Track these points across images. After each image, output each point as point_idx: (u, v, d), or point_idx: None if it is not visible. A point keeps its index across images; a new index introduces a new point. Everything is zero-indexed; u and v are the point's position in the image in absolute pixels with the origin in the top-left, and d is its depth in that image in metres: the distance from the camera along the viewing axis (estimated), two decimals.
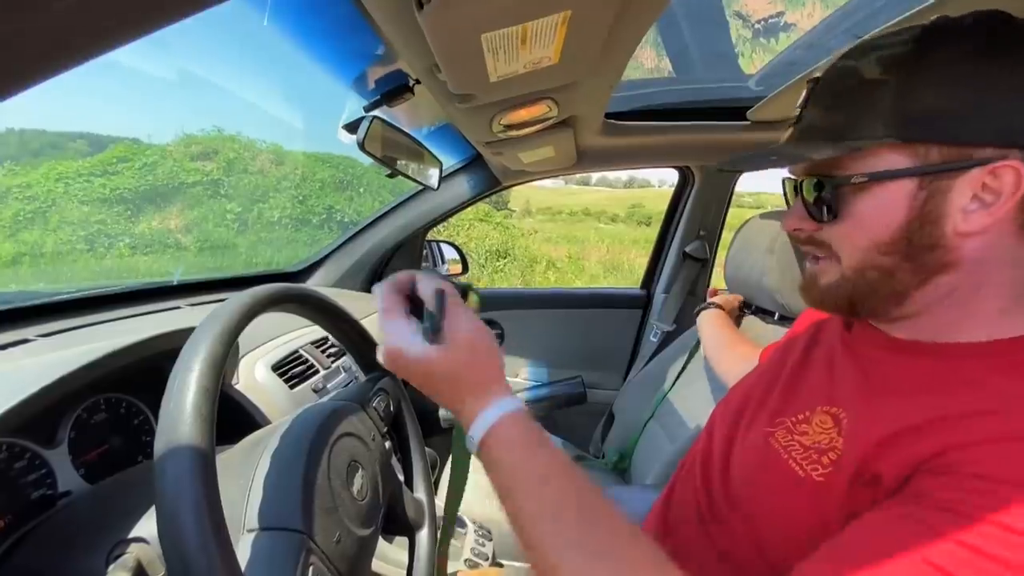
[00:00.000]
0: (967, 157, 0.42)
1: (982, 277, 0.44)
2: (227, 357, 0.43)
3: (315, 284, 1.69)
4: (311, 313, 0.61)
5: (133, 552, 0.46)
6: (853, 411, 0.47)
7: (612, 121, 1.29)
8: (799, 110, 0.51)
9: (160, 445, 0.37)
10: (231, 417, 0.79)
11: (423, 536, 0.65)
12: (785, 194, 0.58)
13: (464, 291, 0.51)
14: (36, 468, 0.57)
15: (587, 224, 17.61)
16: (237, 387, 0.81)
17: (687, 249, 1.67)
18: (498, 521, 1.12)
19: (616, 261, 9.85)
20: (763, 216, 1.23)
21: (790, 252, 1.14)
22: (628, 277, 8.98)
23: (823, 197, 0.48)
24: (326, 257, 1.72)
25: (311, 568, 0.44)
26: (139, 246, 8.24)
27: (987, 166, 0.41)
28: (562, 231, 14.24)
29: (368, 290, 1.75)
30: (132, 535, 0.47)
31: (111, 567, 0.45)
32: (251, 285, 1.49)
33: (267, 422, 0.81)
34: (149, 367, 0.63)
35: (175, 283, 1.26)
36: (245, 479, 0.48)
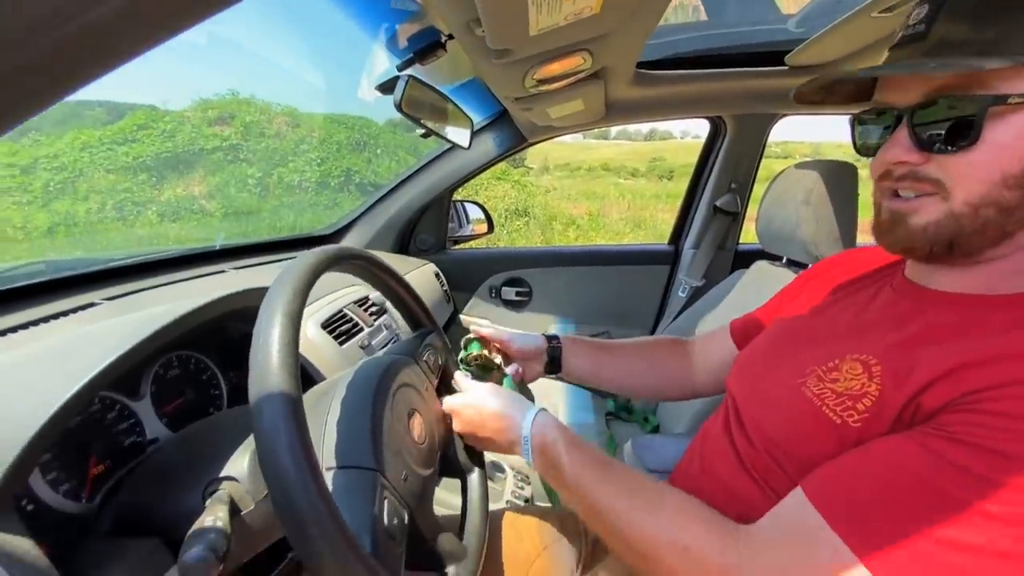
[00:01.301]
0: None
1: None
2: (303, 311, 0.46)
3: (348, 244, 1.73)
4: (366, 273, 0.64)
5: (226, 489, 0.51)
6: (889, 360, 0.47)
7: (643, 71, 1.25)
8: (921, 27, 0.45)
9: (254, 394, 0.40)
10: None
11: (475, 478, 0.69)
12: (854, 135, 0.54)
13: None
14: (126, 418, 0.63)
15: (606, 180, 17.21)
16: None
17: (718, 203, 1.65)
18: None
19: (639, 217, 9.70)
20: (798, 166, 1.20)
21: (827, 203, 1.12)
22: (653, 233, 8.83)
23: (955, 122, 0.42)
24: (356, 219, 1.75)
25: (386, 502, 0.48)
26: (167, 213, 8.40)
27: None
28: (581, 188, 13.98)
29: (398, 251, 1.78)
30: (223, 475, 0.52)
31: (208, 501, 0.50)
32: (286, 248, 1.52)
33: (320, 376, 0.85)
34: (214, 326, 0.67)
35: (218, 247, 1.31)
36: (318, 424, 0.52)
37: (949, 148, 0.43)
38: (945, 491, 0.37)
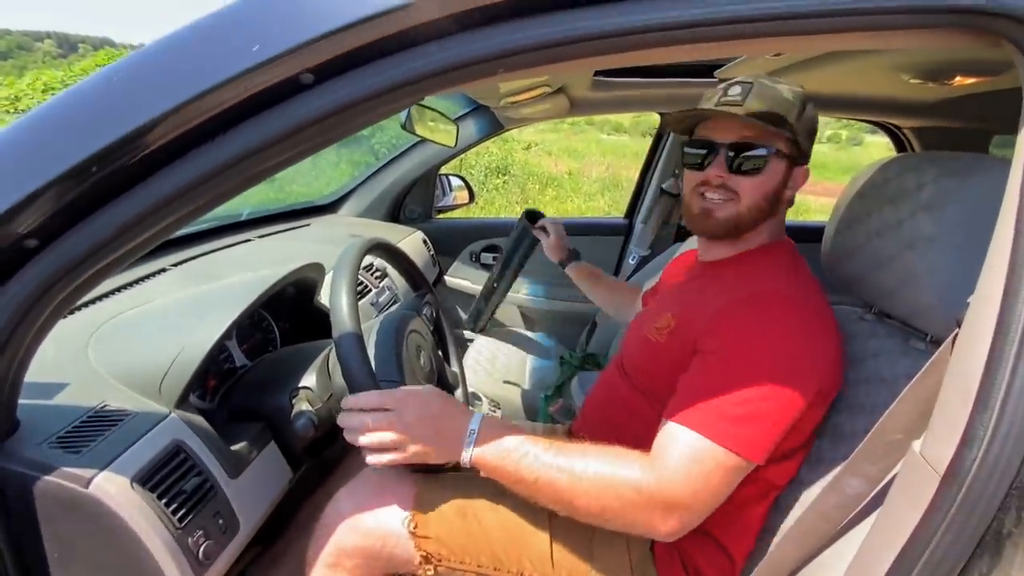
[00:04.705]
0: (799, 159, 0.79)
1: (777, 218, 0.82)
2: (356, 282, 0.76)
3: (345, 213, 1.99)
4: (386, 255, 0.93)
5: (304, 394, 0.82)
6: (681, 312, 0.80)
7: (600, 79, 1.51)
8: (739, 98, 0.76)
9: (336, 331, 0.70)
10: (320, 320, 1.14)
11: (459, 393, 1.02)
12: (683, 155, 0.82)
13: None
14: (223, 351, 0.92)
15: (589, 135, 17.09)
16: (321, 301, 1.15)
17: (663, 186, 1.95)
18: (504, 397, 1.53)
19: (616, 178, 9.88)
20: None
21: None
22: (627, 193, 9.04)
23: (752, 157, 0.75)
24: (353, 191, 2.00)
25: None
26: None
27: (803, 167, 0.79)
28: (563, 143, 13.97)
29: (389, 220, 2.04)
30: (301, 385, 0.83)
31: (295, 400, 0.81)
32: (295, 217, 1.80)
33: None
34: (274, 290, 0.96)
35: (244, 217, 1.57)
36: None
37: (747, 172, 0.76)
38: (694, 378, 0.70)
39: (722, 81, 1.53)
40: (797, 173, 0.80)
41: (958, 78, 1.04)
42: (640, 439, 0.70)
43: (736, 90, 0.77)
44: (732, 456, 0.65)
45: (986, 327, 0.47)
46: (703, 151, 0.79)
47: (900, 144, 1.79)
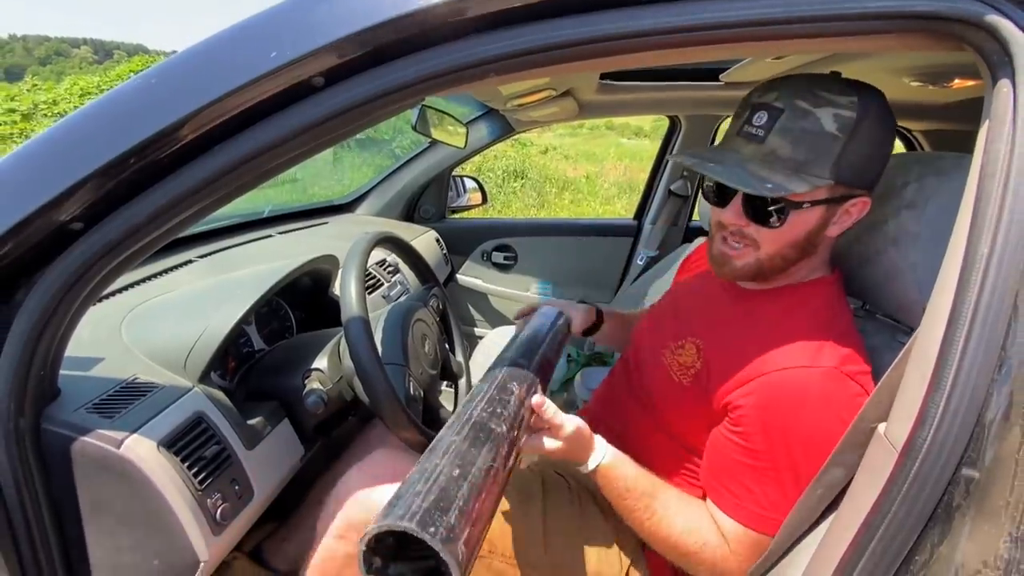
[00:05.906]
0: (851, 193, 0.67)
1: (818, 255, 0.72)
2: (364, 271, 0.81)
3: (362, 212, 2.06)
4: (395, 248, 0.99)
5: (316, 375, 0.88)
6: (708, 341, 0.75)
7: (606, 82, 1.54)
8: (760, 132, 0.64)
9: (345, 317, 0.76)
10: (334, 310, 1.20)
11: (462, 382, 1.07)
12: (705, 188, 0.74)
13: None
14: (242, 336, 0.99)
15: (608, 139, 17.00)
16: (335, 292, 1.21)
17: (672, 187, 1.97)
18: None
19: (633, 181, 9.87)
20: None
21: None
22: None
23: (770, 209, 0.65)
24: (369, 191, 2.07)
25: (411, 382, 0.85)
26: None
27: (857, 199, 0.67)
28: (582, 148, 13.96)
29: (404, 219, 2.10)
30: (313, 367, 0.89)
31: (307, 380, 0.87)
32: (314, 215, 1.88)
33: None
34: (290, 279, 1.02)
35: (266, 214, 1.65)
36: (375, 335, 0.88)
37: (764, 223, 0.67)
38: (740, 460, 0.68)
39: (729, 84, 1.57)
40: (847, 208, 0.67)
41: (956, 80, 1.05)
42: (637, 453, 0.73)
43: (761, 117, 0.65)
44: (768, 539, 0.68)
45: (942, 313, 0.50)
46: (717, 190, 0.70)
47: (911, 147, 1.78)
